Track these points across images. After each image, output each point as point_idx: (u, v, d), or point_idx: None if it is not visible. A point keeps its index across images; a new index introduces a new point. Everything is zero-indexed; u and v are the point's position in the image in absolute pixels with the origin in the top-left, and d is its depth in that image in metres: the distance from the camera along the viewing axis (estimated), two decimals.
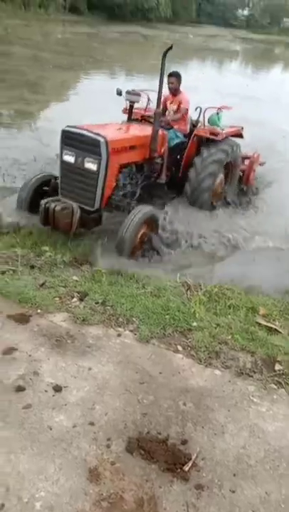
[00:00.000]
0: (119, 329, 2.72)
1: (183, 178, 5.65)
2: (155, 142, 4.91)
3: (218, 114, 5.94)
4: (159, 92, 4.78)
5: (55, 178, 4.68)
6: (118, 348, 2.57)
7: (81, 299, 2.95)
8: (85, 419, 2.09)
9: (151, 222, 4.67)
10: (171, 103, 5.85)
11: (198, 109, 5.79)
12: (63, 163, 4.47)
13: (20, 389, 2.17)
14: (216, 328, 2.90)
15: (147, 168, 5.23)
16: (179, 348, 2.65)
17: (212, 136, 5.58)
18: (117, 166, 4.57)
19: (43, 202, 4.31)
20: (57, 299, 2.93)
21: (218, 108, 5.91)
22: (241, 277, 3.95)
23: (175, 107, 5.79)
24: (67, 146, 4.41)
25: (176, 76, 5.73)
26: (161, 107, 5.67)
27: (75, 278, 3.33)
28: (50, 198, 4.45)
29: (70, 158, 4.40)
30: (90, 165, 4.32)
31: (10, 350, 2.39)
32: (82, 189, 4.44)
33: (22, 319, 2.65)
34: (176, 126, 5.68)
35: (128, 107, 5.48)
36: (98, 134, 4.26)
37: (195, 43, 35.28)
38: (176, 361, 2.55)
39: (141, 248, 4.58)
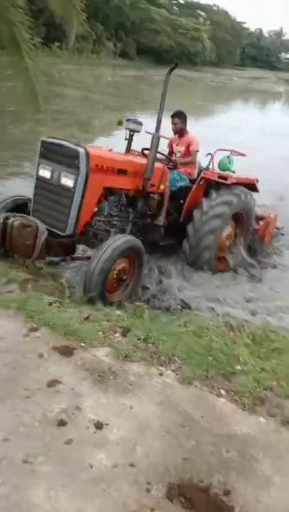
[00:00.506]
0: (161, 368, 2.70)
1: (185, 224, 4.99)
2: (150, 171, 4.38)
3: (229, 157, 5.49)
4: (159, 114, 4.42)
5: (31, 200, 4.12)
6: (159, 388, 2.54)
7: (124, 335, 2.97)
8: (125, 460, 2.06)
9: (133, 256, 4.01)
10: (177, 145, 5.43)
11: (209, 156, 5.42)
12: (38, 179, 3.99)
13: (62, 423, 2.18)
14: (260, 372, 2.81)
15: (141, 203, 4.67)
16: (222, 392, 2.58)
17: (221, 180, 4.95)
18: (100, 187, 4.03)
19: (1, 216, 3.70)
20: (100, 333, 2.96)
21: (231, 151, 5.49)
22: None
23: (182, 148, 5.37)
24: (44, 159, 3.94)
25: (179, 116, 5.31)
26: (168, 149, 5.46)
27: (117, 313, 3.37)
28: (13, 214, 3.84)
29: (45, 173, 3.92)
30: (66, 180, 3.81)
31: (54, 383, 2.42)
32: (54, 209, 3.89)
33: (66, 352, 2.68)
34: (182, 169, 5.25)
35: (128, 137, 4.89)
36: (79, 145, 3.82)
37: (239, 85, 36.14)
38: (218, 406, 2.48)
39: (118, 289, 4.01)
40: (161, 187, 4.77)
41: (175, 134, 5.41)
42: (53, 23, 22.68)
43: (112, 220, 4.41)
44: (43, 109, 8.01)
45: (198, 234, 4.79)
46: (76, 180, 3.76)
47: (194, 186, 5.12)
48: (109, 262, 3.66)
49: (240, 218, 5.36)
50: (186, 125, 5.34)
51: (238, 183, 5.09)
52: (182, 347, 2.91)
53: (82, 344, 2.79)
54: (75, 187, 3.77)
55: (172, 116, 5.34)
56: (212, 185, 5.11)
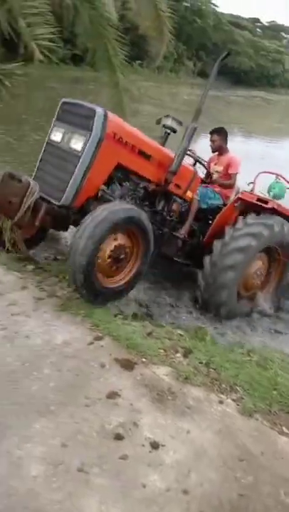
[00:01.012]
0: (222, 396, 2.63)
1: (207, 248, 4.29)
2: (178, 164, 3.84)
3: (277, 182, 4.95)
4: (199, 104, 3.93)
5: None
6: (219, 416, 2.47)
7: (185, 356, 2.93)
8: (179, 485, 2.01)
9: (134, 231, 3.36)
10: (215, 164, 4.92)
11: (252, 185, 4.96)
12: (48, 144, 3.64)
13: (119, 437, 2.19)
14: None
15: (162, 204, 4.08)
16: (285, 429, 2.46)
17: (260, 203, 4.29)
18: (112, 161, 3.53)
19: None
20: (162, 350, 2.95)
21: (277, 175, 4.98)
22: None
23: (221, 168, 4.85)
24: (58, 122, 3.61)
25: (218, 132, 4.81)
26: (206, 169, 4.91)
27: (179, 332, 3.34)
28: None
29: (57, 136, 3.55)
30: (76, 143, 3.38)
31: (113, 395, 2.44)
32: (57, 177, 3.47)
33: (127, 365, 2.70)
34: (218, 189, 4.77)
35: (163, 135, 4.33)
36: (98, 106, 3.42)
37: None
38: (280, 444, 2.36)
39: (119, 272, 3.40)
40: (189, 193, 4.21)
41: (213, 152, 4.94)
42: (136, 41, 23.51)
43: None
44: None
45: (216, 269, 4.08)
46: (86, 143, 3.29)
47: (227, 206, 4.52)
48: (95, 237, 3.05)
49: (275, 254, 4.55)
50: (226, 143, 4.86)
51: (279, 212, 4.36)
52: (245, 377, 2.81)
53: (143, 360, 2.79)
54: (83, 151, 3.30)
55: (211, 133, 4.87)
56: (249, 210, 4.39)
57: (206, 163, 4.91)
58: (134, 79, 28.40)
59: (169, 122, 4.14)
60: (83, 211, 3.45)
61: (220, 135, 4.81)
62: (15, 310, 3.08)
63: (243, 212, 4.38)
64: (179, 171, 3.94)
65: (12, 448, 2.01)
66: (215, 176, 4.89)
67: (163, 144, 4.30)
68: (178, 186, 4.09)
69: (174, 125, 4.14)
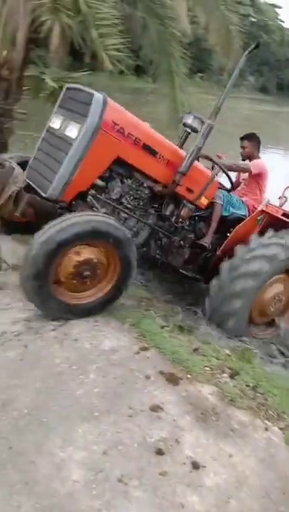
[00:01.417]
0: (268, 423, 2.54)
1: (218, 262, 3.86)
2: (188, 165, 3.44)
3: None
4: (220, 99, 3.57)
5: None
6: (263, 444, 2.38)
7: (232, 377, 2.86)
8: (218, 510, 1.95)
9: (107, 246, 2.95)
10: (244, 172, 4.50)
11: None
12: (46, 131, 3.42)
13: (159, 452, 2.16)
14: None
15: (170, 209, 3.71)
16: None
17: (284, 218, 3.94)
18: (111, 154, 3.20)
19: None
20: (208, 368, 2.90)
21: None
22: None
23: (247, 175, 4.47)
24: (59, 108, 3.40)
25: (249, 139, 4.43)
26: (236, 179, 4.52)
27: (226, 351, 3.27)
28: None
29: (56, 124, 3.32)
30: (71, 129, 3.11)
31: (157, 408, 2.41)
32: (48, 166, 3.20)
33: (172, 379, 2.67)
34: (244, 198, 4.35)
35: (183, 135, 3.98)
36: (100, 92, 3.14)
37: None
38: None
39: (89, 288, 3.01)
40: (203, 200, 3.77)
41: (243, 159, 4.50)
42: (198, 54, 23.67)
43: (119, 210, 3.46)
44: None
45: (222, 294, 3.67)
46: (80, 129, 3.01)
47: (248, 218, 4.03)
48: (48, 244, 2.68)
49: None
50: (258, 151, 4.45)
51: None
52: None
53: (189, 376, 2.75)
54: (77, 137, 3.02)
55: (242, 139, 4.47)
56: (274, 226, 3.95)
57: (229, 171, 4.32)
58: (193, 91, 28.59)
59: (189, 121, 3.61)
60: (71, 209, 3.19)
61: (251, 141, 4.42)
62: None
63: (267, 228, 3.93)
64: (192, 174, 3.56)
65: (55, 449, 2.04)
66: (242, 186, 4.52)
67: (182, 144, 3.97)
68: (189, 190, 3.67)
69: (196, 124, 3.60)
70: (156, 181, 3.57)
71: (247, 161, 4.40)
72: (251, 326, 3.96)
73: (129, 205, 3.55)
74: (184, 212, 3.76)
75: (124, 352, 2.83)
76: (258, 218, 4.00)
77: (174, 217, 3.77)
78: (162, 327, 3.20)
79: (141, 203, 3.62)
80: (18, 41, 5.25)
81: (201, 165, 3.85)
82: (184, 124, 3.71)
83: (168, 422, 2.35)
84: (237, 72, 3.58)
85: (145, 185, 3.58)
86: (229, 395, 2.66)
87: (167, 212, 3.75)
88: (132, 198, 3.56)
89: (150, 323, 3.17)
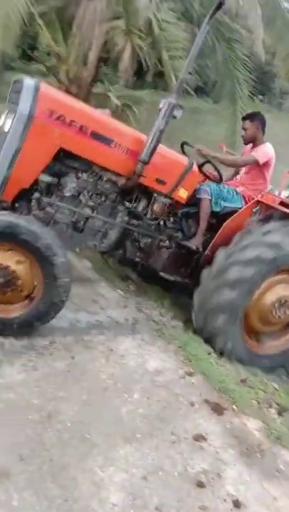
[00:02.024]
0: None
1: (207, 263, 3.43)
2: (150, 153, 3.01)
3: None
4: (184, 71, 3.17)
5: None
6: None
7: (279, 413, 2.74)
8: None
9: (21, 248, 2.61)
10: None
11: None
12: None
13: (200, 485, 2.09)
14: None
15: (143, 204, 3.37)
16: None
17: (282, 208, 3.47)
18: (51, 145, 2.87)
19: None
20: (255, 401, 2.80)
21: None
22: None
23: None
24: (8, 103, 3.07)
25: (251, 118, 3.86)
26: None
27: (274, 385, 3.14)
28: None
29: (1, 121, 3.03)
30: (7, 123, 2.85)
31: (200, 438, 2.35)
32: None
33: (217, 409, 2.60)
34: (240, 188, 3.83)
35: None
36: (33, 79, 2.88)
37: None
38: None
39: (17, 301, 2.70)
40: (181, 192, 3.37)
41: (246, 143, 3.97)
42: (260, 77, 23.50)
43: (70, 209, 3.13)
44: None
45: (213, 284, 3.25)
46: (13, 120, 2.76)
47: (241, 210, 3.57)
48: None
49: None
50: (262, 132, 3.86)
51: None
52: None
53: (234, 407, 2.66)
54: (9, 129, 2.78)
55: (243, 119, 3.95)
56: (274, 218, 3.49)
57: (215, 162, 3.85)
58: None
59: (166, 106, 3.10)
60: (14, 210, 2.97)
61: (253, 121, 3.83)
62: (114, 327, 3.16)
63: (269, 220, 3.49)
64: (159, 162, 3.17)
65: (96, 468, 2.03)
66: (241, 173, 4.01)
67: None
68: (160, 181, 3.27)
69: (175, 112, 3.14)
70: (118, 174, 3.21)
71: (249, 154, 3.84)
72: (259, 340, 3.55)
73: (90, 203, 3.22)
74: (156, 207, 3.36)
75: (169, 375, 2.79)
76: (254, 210, 3.62)
77: (148, 214, 3.40)
78: (209, 353, 3.13)
79: (105, 200, 3.28)
80: (89, 60, 5.51)
81: (172, 152, 3.44)
82: (160, 110, 3.17)
83: (210, 454, 2.28)
84: (202, 37, 3.07)
85: (105, 178, 3.22)
86: (276, 432, 2.54)
87: (139, 209, 3.38)
88: (91, 194, 3.22)
89: (197, 348, 3.12)
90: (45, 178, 3.02)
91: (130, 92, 8.42)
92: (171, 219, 3.58)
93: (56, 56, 6.51)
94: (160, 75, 7.57)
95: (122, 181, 3.24)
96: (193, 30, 6.00)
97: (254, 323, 3.45)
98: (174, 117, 3.12)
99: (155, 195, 3.35)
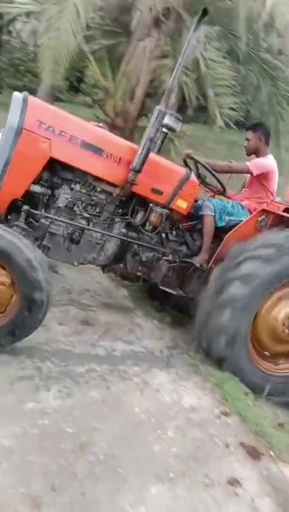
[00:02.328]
0: None
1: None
2: (141, 161, 3.01)
3: None
4: (173, 78, 3.18)
5: None
6: None
7: None
8: None
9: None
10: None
11: None
12: None
13: None
14: None
15: (140, 215, 3.33)
16: None
17: (285, 214, 3.29)
18: (41, 156, 2.92)
19: None
20: None
21: None
22: None
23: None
24: None
25: (255, 129, 3.81)
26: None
27: None
28: None
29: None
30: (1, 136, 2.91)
31: (234, 483, 2.25)
32: None
33: (253, 453, 2.49)
34: (245, 202, 3.76)
35: (160, 136, 3.57)
36: (26, 93, 2.95)
37: None
38: None
39: None
40: (180, 202, 3.32)
41: (248, 154, 3.91)
42: None
43: (71, 223, 3.15)
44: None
45: (212, 304, 3.10)
46: (3, 133, 2.86)
47: (244, 220, 3.46)
48: None
49: None
50: (266, 144, 3.80)
51: None
52: None
53: (272, 453, 2.55)
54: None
55: (246, 129, 3.91)
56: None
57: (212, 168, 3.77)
58: None
59: (166, 120, 3.16)
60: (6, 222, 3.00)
61: (256, 132, 3.78)
62: (149, 359, 3.14)
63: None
64: (152, 171, 3.19)
65: (127, 505, 1.97)
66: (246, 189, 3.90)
67: (159, 147, 3.61)
68: (156, 191, 3.26)
69: (171, 123, 3.20)
70: (113, 185, 3.20)
71: (246, 162, 3.76)
72: (277, 361, 3.32)
73: (85, 214, 3.21)
74: (153, 217, 3.28)
75: (204, 413, 2.72)
76: (259, 219, 3.41)
77: (146, 226, 3.35)
78: (246, 393, 3.03)
79: (101, 211, 3.27)
80: (136, 95, 5.74)
81: (168, 162, 3.45)
82: (165, 125, 3.25)
83: (245, 501, 2.18)
84: (190, 42, 3.19)
85: (99, 189, 3.23)
86: None
87: (137, 220, 3.34)
88: (86, 205, 3.21)
89: (234, 387, 3.03)
90: (37, 189, 3.06)
91: None
92: (174, 232, 3.55)
93: (104, 90, 6.81)
94: (200, 109, 7.75)
95: (116, 192, 3.24)
96: (239, 69, 6.17)
97: (266, 343, 3.25)
98: (174, 130, 3.25)
99: (151, 205, 3.32)
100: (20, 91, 3.03)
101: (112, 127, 6.11)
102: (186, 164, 3.71)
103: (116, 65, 6.52)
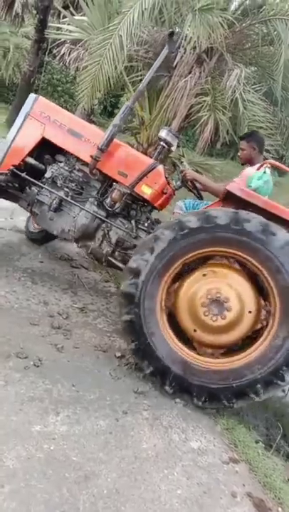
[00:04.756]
0: None
1: None
2: (106, 143, 3.52)
3: (265, 172, 3.30)
4: (142, 83, 3.59)
5: None
6: None
7: None
8: None
9: None
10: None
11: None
12: None
13: None
14: None
15: (102, 190, 3.79)
16: None
17: (245, 197, 3.02)
18: (36, 134, 3.75)
19: None
20: None
21: (273, 164, 3.41)
22: None
23: None
24: None
25: (248, 139, 3.85)
26: None
27: None
28: None
29: None
30: None
31: None
32: None
33: (260, 506, 2.39)
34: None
35: (159, 149, 3.87)
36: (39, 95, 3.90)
37: None
38: None
39: None
40: (144, 188, 3.57)
41: (242, 163, 3.94)
42: None
43: (53, 191, 3.74)
44: None
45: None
46: (19, 117, 3.79)
47: (210, 203, 3.54)
48: None
49: (266, 286, 2.88)
50: (260, 153, 3.83)
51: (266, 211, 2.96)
52: None
53: (280, 509, 2.44)
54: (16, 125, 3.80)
55: (240, 139, 3.96)
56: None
57: (182, 166, 4.14)
58: None
59: (163, 134, 3.65)
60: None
61: (250, 142, 3.80)
62: (159, 393, 3.08)
63: None
64: (119, 155, 3.65)
65: None
66: None
67: (156, 158, 3.87)
68: (122, 174, 3.64)
69: (169, 138, 3.64)
70: (88, 165, 3.74)
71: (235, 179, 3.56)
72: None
73: (65, 188, 3.80)
74: (114, 194, 3.65)
75: (212, 457, 2.64)
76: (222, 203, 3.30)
77: (107, 201, 3.72)
78: (257, 441, 2.94)
79: (78, 187, 3.83)
80: (171, 127, 5.83)
81: (137, 151, 3.96)
82: (160, 138, 3.73)
83: None
84: (158, 64, 3.55)
85: (77, 167, 3.86)
86: None
87: (105, 199, 3.75)
88: (66, 180, 3.82)
89: (244, 433, 2.94)
90: (31, 161, 3.83)
91: (202, 159, 8.72)
92: (145, 222, 3.80)
93: (140, 120, 6.97)
94: (230, 144, 7.85)
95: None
96: (275, 111, 6.26)
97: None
98: (170, 145, 3.67)
99: (116, 185, 3.70)
100: None
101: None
102: (174, 166, 4.03)
103: (154, 97, 6.69)
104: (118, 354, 3.38)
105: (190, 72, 5.63)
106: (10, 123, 14.15)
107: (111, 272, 5.17)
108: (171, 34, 3.78)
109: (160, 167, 3.64)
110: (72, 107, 13.15)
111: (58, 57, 13.63)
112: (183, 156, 7.87)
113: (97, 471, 2.24)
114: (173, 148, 3.76)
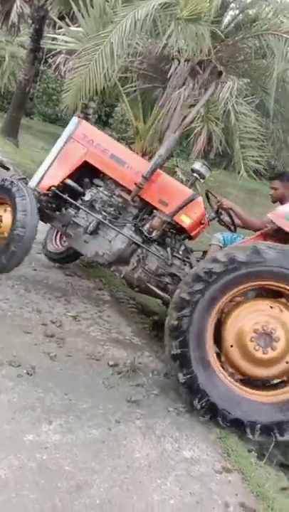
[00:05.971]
0: None
1: None
2: (150, 172, 3.61)
3: None
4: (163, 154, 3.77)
5: None
6: None
7: None
8: None
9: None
10: None
11: None
12: None
13: None
14: None
15: (144, 218, 3.82)
16: None
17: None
18: (78, 156, 3.80)
19: None
20: None
21: None
22: None
23: None
24: None
25: (281, 179, 3.88)
26: None
27: None
28: None
29: None
30: None
31: None
32: None
33: None
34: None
35: (191, 180, 4.00)
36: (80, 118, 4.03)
37: None
38: None
39: None
40: (183, 217, 3.68)
41: (274, 201, 3.98)
42: None
43: (91, 213, 3.78)
44: None
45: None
46: (62, 138, 3.85)
47: (245, 238, 3.71)
48: None
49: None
50: None
51: None
52: None
53: None
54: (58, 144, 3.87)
55: (271, 179, 4.02)
56: None
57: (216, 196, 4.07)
58: None
59: (197, 166, 3.80)
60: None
61: (283, 181, 3.86)
62: (153, 401, 3.07)
63: None
64: (161, 184, 3.76)
65: None
66: None
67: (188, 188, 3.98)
68: (163, 202, 3.72)
69: (203, 170, 3.78)
70: (129, 191, 3.80)
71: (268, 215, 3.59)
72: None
73: (103, 212, 3.83)
74: (155, 221, 3.70)
75: (205, 467, 2.62)
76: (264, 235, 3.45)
77: (152, 234, 3.74)
78: (250, 450, 2.93)
79: (116, 212, 3.86)
80: (165, 138, 5.85)
81: (178, 182, 4.04)
82: (192, 170, 3.86)
83: None
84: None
85: (117, 193, 3.89)
86: None
87: (144, 225, 3.78)
88: (105, 204, 3.85)
89: (237, 442, 2.93)
90: (70, 183, 3.86)
91: None
92: (180, 250, 3.87)
93: (134, 130, 7.03)
94: (223, 155, 7.95)
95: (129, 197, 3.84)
96: (267, 123, 6.36)
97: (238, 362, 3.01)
98: (203, 177, 3.77)
99: (157, 212, 3.76)
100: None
101: None
102: (207, 199, 4.04)
103: (148, 107, 6.76)
104: (111, 363, 3.39)
105: (184, 84, 5.72)
106: (5, 132, 14.25)
107: (104, 279, 5.18)
108: None
109: (199, 198, 3.77)
110: (67, 116, 13.21)
111: (53, 67, 13.77)
112: (177, 166, 7.95)
113: (90, 481, 2.22)
114: (206, 175, 3.84)
